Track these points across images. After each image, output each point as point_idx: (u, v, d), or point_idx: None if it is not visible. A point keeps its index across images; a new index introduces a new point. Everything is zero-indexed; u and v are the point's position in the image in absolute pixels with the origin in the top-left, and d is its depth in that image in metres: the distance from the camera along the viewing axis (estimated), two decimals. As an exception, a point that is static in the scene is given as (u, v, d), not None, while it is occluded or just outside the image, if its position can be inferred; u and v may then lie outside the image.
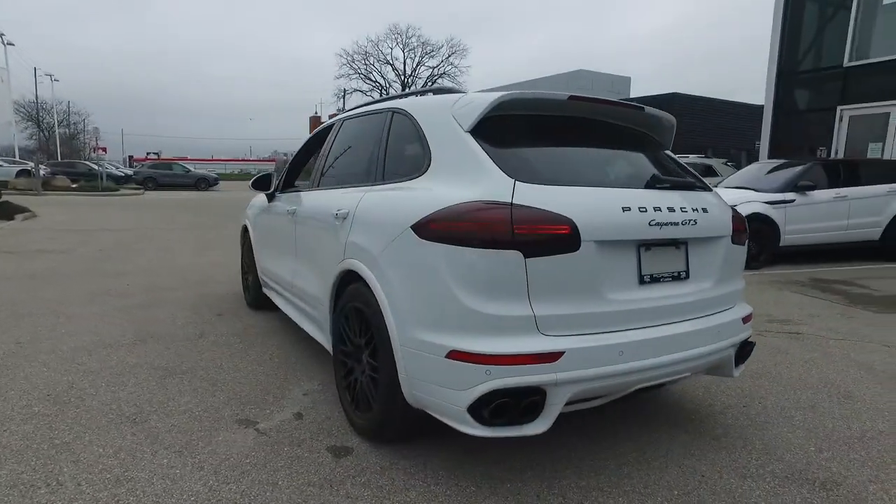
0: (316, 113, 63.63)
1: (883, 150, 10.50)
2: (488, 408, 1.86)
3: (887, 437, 2.63)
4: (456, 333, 1.92)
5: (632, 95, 32.39)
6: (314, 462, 2.28)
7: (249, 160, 70.85)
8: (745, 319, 2.48)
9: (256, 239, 4.50)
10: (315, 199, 3.18)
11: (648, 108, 2.51)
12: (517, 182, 1.98)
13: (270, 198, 4.16)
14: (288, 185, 4.15)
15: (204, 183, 29.70)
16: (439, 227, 1.98)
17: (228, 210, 15.87)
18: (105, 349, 3.64)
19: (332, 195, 2.95)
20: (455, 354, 1.90)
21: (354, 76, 62.29)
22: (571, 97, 2.29)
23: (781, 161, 8.65)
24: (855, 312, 5.05)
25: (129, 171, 32.52)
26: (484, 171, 2.04)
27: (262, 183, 4.14)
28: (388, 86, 58.76)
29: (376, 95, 59.11)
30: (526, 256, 1.87)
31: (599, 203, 2.04)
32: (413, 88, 58.90)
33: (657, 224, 2.12)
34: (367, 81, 57.83)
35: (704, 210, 2.31)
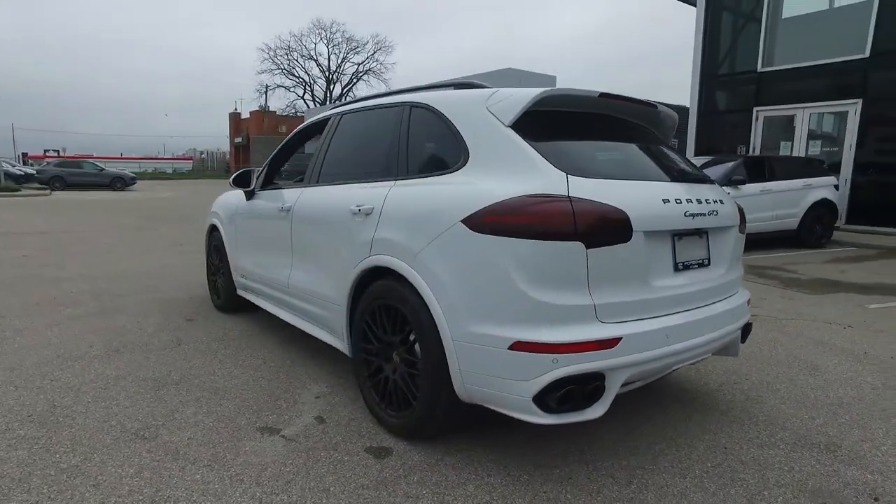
0: (236, 109, 60.78)
1: (792, 148, 11.63)
2: (555, 395, 1.90)
3: (859, 402, 2.94)
4: (520, 325, 1.94)
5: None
6: (358, 465, 2.21)
7: (163, 158, 66.30)
8: (748, 302, 2.69)
9: (231, 239, 4.26)
10: (319, 196, 3.07)
11: (660, 107, 2.65)
12: (569, 175, 2.03)
13: (250, 195, 3.97)
14: (268, 182, 3.98)
15: (120, 182, 27.47)
16: (496, 221, 1.99)
17: (156, 211, 14.84)
18: (75, 362, 3.31)
19: (343, 191, 2.86)
20: (520, 345, 1.92)
21: (277, 72, 60.24)
22: (602, 94, 2.37)
23: (710, 158, 9.34)
24: (793, 295, 5.58)
25: (31, 170, 29.48)
26: (534, 165, 2.07)
27: (242, 180, 3.93)
28: (312, 82, 57.27)
29: (300, 92, 57.35)
30: (587, 247, 1.93)
31: (644, 195, 2.14)
32: (341, 84, 57.66)
33: (690, 215, 2.25)
34: (291, 77, 56.05)
35: (721, 202, 2.48)
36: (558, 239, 1.91)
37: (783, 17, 12.11)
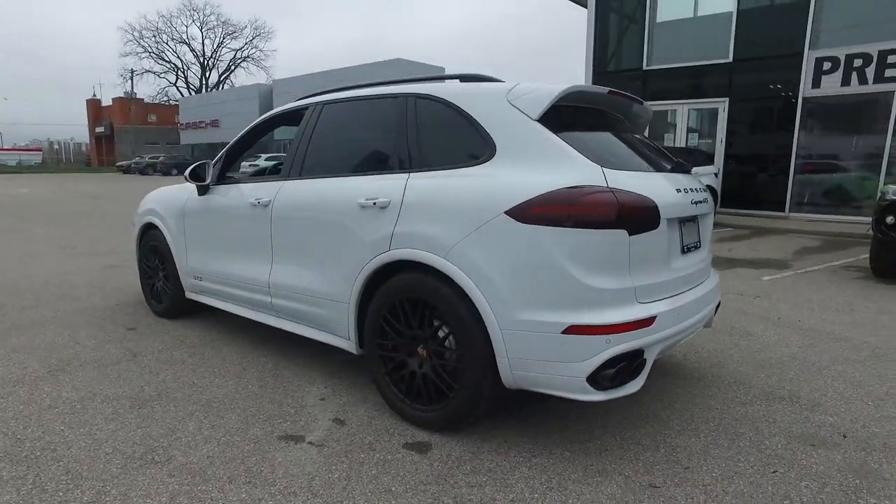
0: (95, 95, 54.33)
1: (674, 139, 12.99)
2: (607, 374, 2.04)
3: (794, 359, 3.44)
4: (573, 309, 2.04)
5: (450, 87, 34.30)
6: (406, 462, 2.19)
7: (5, 149, 57.05)
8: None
9: (177, 238, 3.89)
10: (308, 190, 2.91)
11: (645, 102, 2.88)
12: (604, 168, 2.16)
13: (203, 190, 3.65)
14: (223, 176, 3.69)
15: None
16: (544, 211, 2.06)
17: (19, 210, 12.86)
18: (18, 387, 2.85)
19: (340, 184, 2.76)
20: (574, 329, 2.02)
21: (144, 55, 54.61)
22: (610, 91, 2.53)
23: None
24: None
25: None
26: (569, 157, 2.17)
27: (199, 174, 3.60)
28: (185, 68, 52.76)
29: (172, 78, 52.56)
30: (630, 234, 2.08)
31: (662, 186, 2.33)
32: (218, 71, 53.63)
33: (695, 202, 2.50)
34: (161, 62, 51.14)
35: (706, 190, 2.77)
36: (606, 227, 2.04)
37: (658, 21, 13.42)
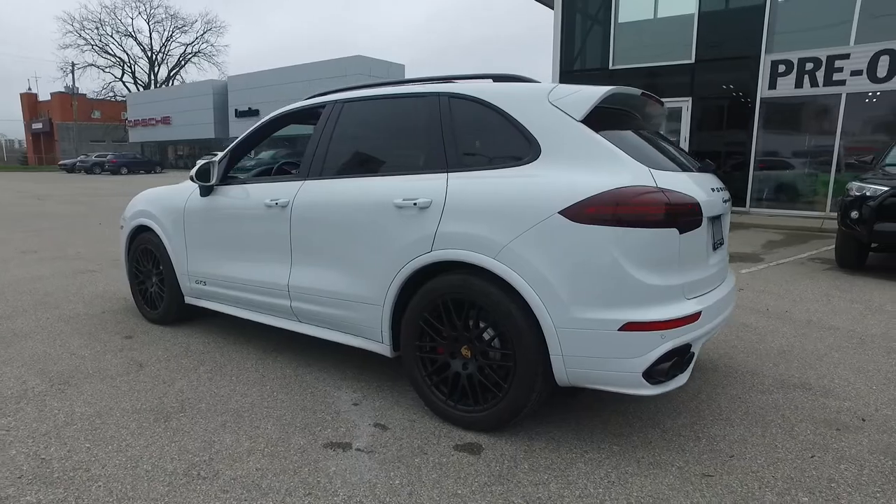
0: (30, 89, 51.22)
1: (639, 139, 13.38)
2: (661, 368, 2.09)
3: (794, 348, 3.63)
4: (629, 307, 2.08)
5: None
6: (462, 464, 2.18)
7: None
8: None
9: (177, 240, 3.72)
10: (335, 190, 2.84)
11: (664, 103, 2.96)
12: (650, 169, 2.20)
13: (207, 191, 3.51)
14: (226, 176, 3.57)
15: None
16: (598, 211, 2.09)
17: (-44, 212, 11.97)
18: (22, 403, 2.66)
19: (370, 184, 2.71)
20: (631, 326, 2.06)
21: (87, 48, 51.82)
22: (643, 94, 2.59)
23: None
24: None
25: None
26: (617, 158, 2.21)
27: (204, 175, 3.45)
28: (133, 62, 50.37)
29: (118, 73, 50.15)
30: (680, 233, 2.13)
31: (700, 186, 2.40)
32: (167, 66, 51.50)
33: (724, 201, 2.59)
34: (106, 55, 48.63)
35: (724, 189, 2.88)
36: (659, 227, 2.09)
37: (619, 21, 13.79)
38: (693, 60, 12.56)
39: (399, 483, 2.04)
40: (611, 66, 13.71)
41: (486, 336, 2.37)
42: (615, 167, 2.19)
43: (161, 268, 3.91)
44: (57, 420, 2.51)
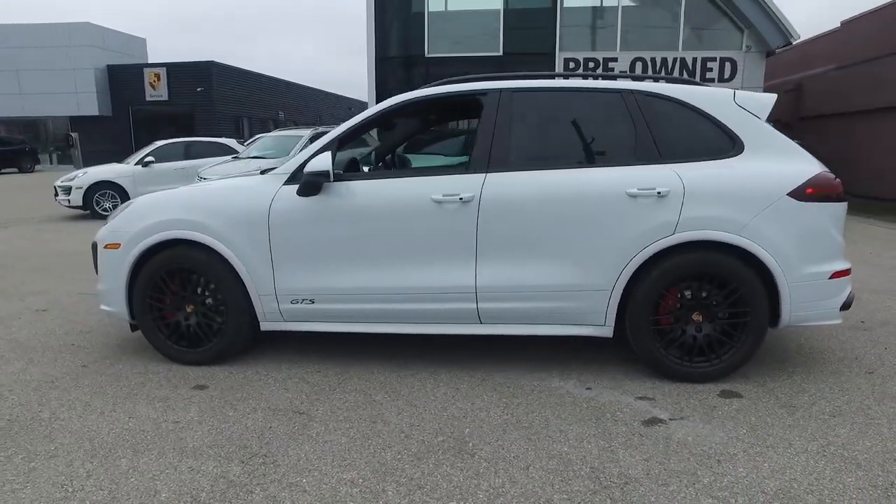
0: None
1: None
2: (846, 302, 2.90)
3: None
4: (834, 260, 2.81)
5: (160, 60, 29.78)
6: (761, 411, 2.61)
7: None
8: None
9: (258, 253, 3.02)
10: (546, 181, 2.86)
11: None
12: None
13: (315, 188, 2.96)
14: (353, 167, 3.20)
15: None
16: (813, 192, 2.75)
17: None
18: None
19: (589, 175, 2.86)
20: (837, 274, 2.80)
21: None
22: (778, 97, 3.31)
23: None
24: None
25: None
26: (799, 151, 2.89)
27: (322, 171, 2.95)
28: None
29: None
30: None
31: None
32: None
33: None
34: None
35: None
36: (841, 200, 2.86)
37: (431, 10, 14.64)
38: (501, 53, 14.17)
39: (742, 434, 2.40)
40: (426, 55, 14.45)
41: (716, 301, 2.85)
42: (803, 158, 2.88)
43: (212, 293, 3.16)
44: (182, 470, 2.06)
